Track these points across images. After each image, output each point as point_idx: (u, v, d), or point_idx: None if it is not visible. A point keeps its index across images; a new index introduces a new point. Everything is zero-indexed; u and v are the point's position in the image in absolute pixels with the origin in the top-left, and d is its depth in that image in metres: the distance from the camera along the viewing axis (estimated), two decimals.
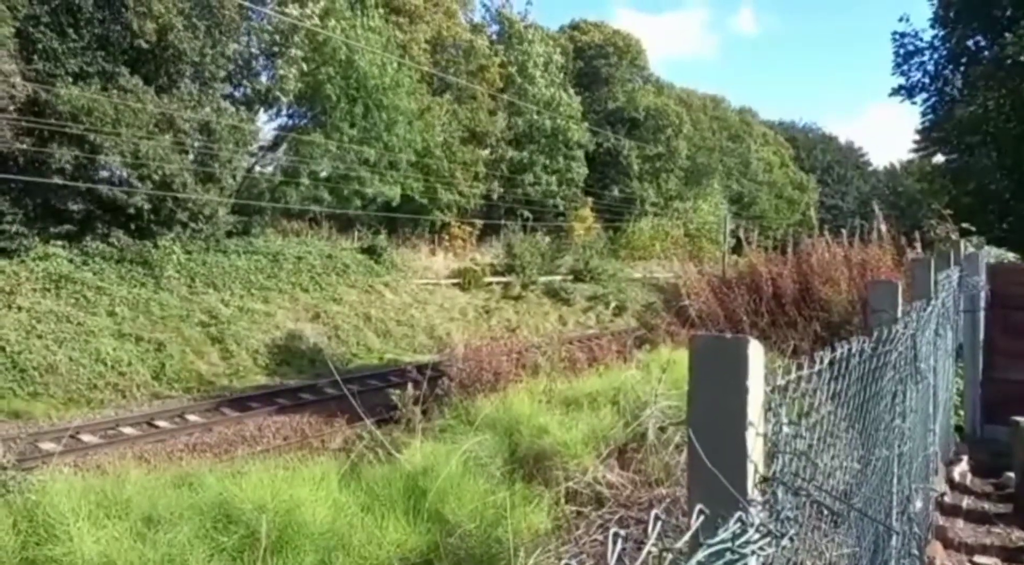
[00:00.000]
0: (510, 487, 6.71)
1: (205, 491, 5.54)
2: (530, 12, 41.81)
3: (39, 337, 15.68)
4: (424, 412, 9.77)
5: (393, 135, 28.03)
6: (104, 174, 21.67)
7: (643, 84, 50.99)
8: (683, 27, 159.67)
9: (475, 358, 12.22)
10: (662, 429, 8.16)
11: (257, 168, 28.76)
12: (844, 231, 12.24)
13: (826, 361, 2.53)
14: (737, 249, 46.27)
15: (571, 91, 41.64)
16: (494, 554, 5.47)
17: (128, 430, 14.19)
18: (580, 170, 41.04)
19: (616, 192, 44.67)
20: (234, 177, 25.33)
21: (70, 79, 20.38)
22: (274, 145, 29.31)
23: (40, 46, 20.24)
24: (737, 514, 1.32)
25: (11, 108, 19.36)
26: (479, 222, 36.42)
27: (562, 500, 7.10)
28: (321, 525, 5.24)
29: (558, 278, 34.71)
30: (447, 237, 35.20)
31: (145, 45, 21.75)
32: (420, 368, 13.12)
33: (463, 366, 11.94)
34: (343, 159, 26.73)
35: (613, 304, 32.52)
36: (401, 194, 29.20)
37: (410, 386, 11.56)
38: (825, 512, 2.39)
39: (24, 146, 19.73)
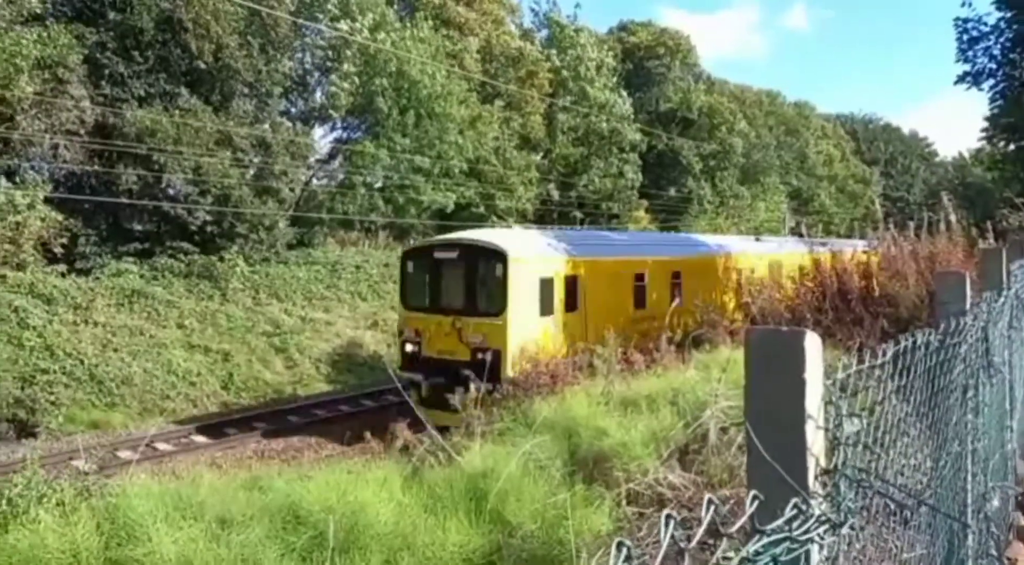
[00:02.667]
0: (571, 489, 6.71)
1: (275, 494, 5.72)
2: (579, 15, 41.63)
3: (115, 350, 16.38)
4: (483, 416, 9.84)
5: (445, 143, 28.36)
6: (168, 192, 22.52)
7: (695, 83, 50.31)
8: (732, 26, 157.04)
9: (532, 361, 12.28)
10: (724, 430, 8.04)
11: (314, 181, 29.47)
12: (911, 224, 11.82)
13: (889, 354, 2.47)
14: None
15: (623, 93, 41.43)
16: (556, 555, 5.48)
17: (199, 438, 14.71)
18: (634, 171, 40.76)
19: (672, 192, 44.18)
20: (292, 190, 26.02)
21: (135, 102, 21.27)
22: (330, 157, 30.01)
23: (107, 71, 21.20)
24: (794, 500, 1.32)
25: (81, 131, 20.32)
26: (533, 227, 36.45)
27: (623, 501, 7.06)
28: (385, 526, 5.35)
29: None
30: None
31: (203, 65, 22.52)
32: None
33: (520, 369, 12.01)
34: (397, 169, 27.18)
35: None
36: (455, 201, 29.49)
37: (472, 388, 11.68)
38: (893, 508, 2.34)
39: (94, 168, 20.69)
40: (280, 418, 16.18)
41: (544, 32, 41.70)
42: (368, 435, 11.27)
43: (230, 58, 22.80)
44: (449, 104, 28.42)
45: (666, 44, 48.47)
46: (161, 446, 13.81)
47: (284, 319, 20.71)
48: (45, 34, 19.12)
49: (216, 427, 15.38)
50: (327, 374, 19.81)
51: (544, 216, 35.66)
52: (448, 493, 6.32)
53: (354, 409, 17.11)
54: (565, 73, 38.64)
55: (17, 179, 19.43)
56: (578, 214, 37.04)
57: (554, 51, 38.88)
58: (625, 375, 11.56)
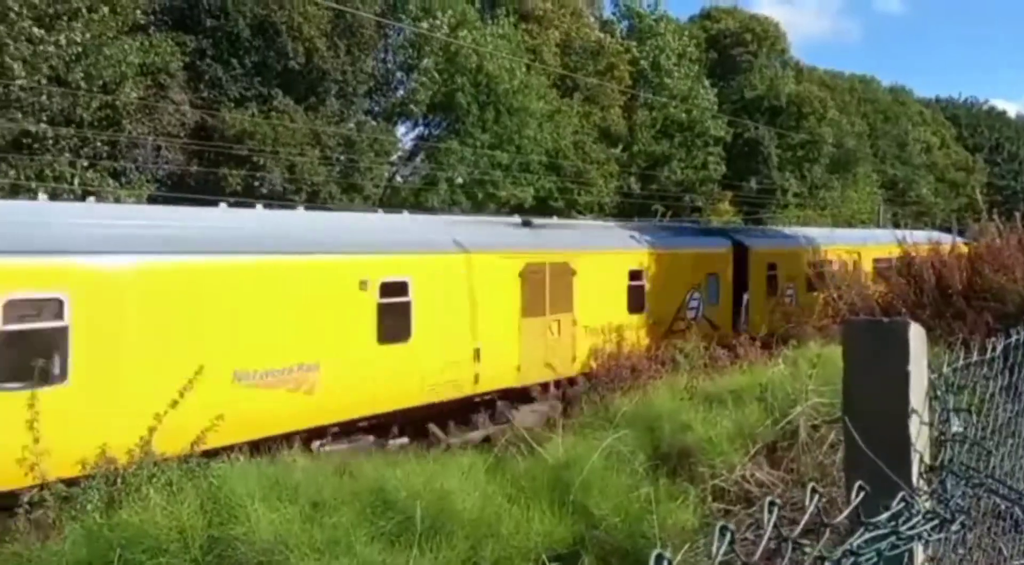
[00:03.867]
0: (654, 483, 6.66)
1: (364, 479, 5.92)
2: (661, 3, 40.79)
3: None
4: (564, 409, 9.89)
5: (524, 138, 28.46)
6: (262, 191, 23.45)
7: (783, 70, 48.63)
8: (823, 10, 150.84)
9: (613, 356, 12.23)
10: (815, 427, 7.78)
11: (397, 177, 30.11)
12: (1018, 214, 11.09)
13: (999, 349, 2.36)
14: None
15: (706, 82, 40.51)
16: (640, 549, 5.45)
17: None
18: (717, 163, 39.81)
19: (754, 184, 42.92)
20: (376, 186, 26.68)
21: (232, 104, 22.28)
22: (412, 154, 30.58)
23: (206, 76, 22.29)
24: (901, 494, 1.28)
25: (182, 134, 21.43)
26: (612, 221, 36.17)
27: (708, 498, 6.95)
28: (471, 513, 5.45)
29: None
30: None
31: (296, 67, 23.38)
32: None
33: (601, 364, 11.99)
34: (477, 164, 27.45)
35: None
36: (534, 196, 29.57)
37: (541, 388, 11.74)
38: (1002, 510, 2.23)
39: (194, 168, 21.80)
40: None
41: (625, 23, 41.18)
42: (452, 425, 11.52)
43: (320, 59, 23.58)
44: (528, 99, 28.48)
45: (753, 31, 47.02)
46: None
47: None
48: (148, 42, 20.25)
49: None
50: None
51: (624, 209, 35.31)
52: (531, 483, 6.38)
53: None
54: (644, 64, 38.07)
55: (123, 179, 20.64)
56: (659, 207, 36.49)
57: (634, 43, 38.36)
58: (708, 370, 11.36)
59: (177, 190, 21.95)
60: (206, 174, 22.28)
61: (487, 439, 10.04)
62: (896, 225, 48.57)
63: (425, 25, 25.81)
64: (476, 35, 27.10)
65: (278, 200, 22.81)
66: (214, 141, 21.84)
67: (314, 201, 23.55)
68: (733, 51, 46.13)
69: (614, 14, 41.84)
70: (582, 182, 32.38)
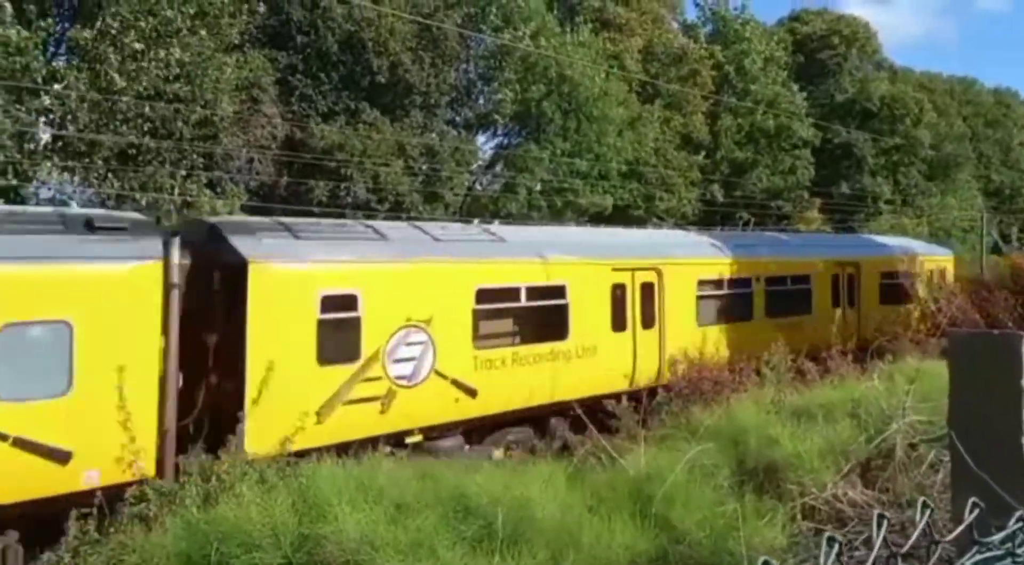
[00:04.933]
0: (740, 499, 6.48)
1: (445, 483, 6.00)
2: (747, 7, 39.87)
3: None
4: (643, 421, 9.75)
5: (604, 146, 28.34)
6: (347, 200, 24.21)
7: (876, 71, 46.72)
8: (918, 10, 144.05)
9: (695, 368, 11.97)
10: (912, 446, 7.40)
11: (477, 186, 30.50)
12: None
13: None
14: (997, 248, 40.56)
15: (793, 86, 39.35)
16: None
17: None
18: (806, 169, 38.54)
19: (846, 189, 41.30)
20: (457, 195, 27.10)
21: (319, 118, 23.13)
22: (491, 163, 30.92)
23: (297, 91, 23.21)
24: (1017, 514, 1.21)
25: (273, 146, 22.36)
26: (693, 228, 35.51)
27: (798, 516, 6.71)
28: (551, 522, 5.45)
29: None
30: None
31: (381, 80, 24.07)
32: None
33: (682, 376, 11.74)
34: (556, 172, 27.52)
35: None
36: (613, 204, 29.39)
37: (624, 397, 11.57)
38: None
39: (285, 180, 22.70)
40: None
41: (709, 27, 40.50)
42: (531, 432, 11.52)
43: (404, 72, 24.19)
44: (608, 106, 28.36)
45: (841, 33, 45.42)
46: None
47: None
48: (243, 59, 21.25)
49: None
50: None
51: (707, 217, 34.63)
52: (611, 494, 6.32)
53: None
54: (728, 68, 37.30)
55: (218, 189, 21.67)
56: (744, 214, 35.60)
57: (718, 47, 37.67)
58: (795, 384, 10.98)
59: (267, 200, 22.91)
60: (295, 185, 23.15)
61: (565, 447, 10.00)
62: (1003, 236, 45.75)
63: (507, 36, 26.10)
64: (556, 43, 27.22)
65: (362, 210, 23.50)
66: (303, 153, 22.71)
67: (398, 211, 24.13)
68: (821, 54, 44.66)
69: (698, 18, 41.24)
70: (663, 189, 31.97)
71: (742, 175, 36.48)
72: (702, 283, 14.39)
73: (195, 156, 20.15)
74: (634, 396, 11.21)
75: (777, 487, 7.08)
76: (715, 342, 13.95)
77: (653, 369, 12.98)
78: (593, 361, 11.94)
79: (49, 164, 18.35)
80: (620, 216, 29.83)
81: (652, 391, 11.35)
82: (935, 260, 20.57)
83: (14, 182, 17.43)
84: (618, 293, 12.67)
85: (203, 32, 19.30)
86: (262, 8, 21.95)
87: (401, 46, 24.05)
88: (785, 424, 8.17)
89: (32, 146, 17.96)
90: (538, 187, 27.46)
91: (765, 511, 6.44)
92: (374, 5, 22.82)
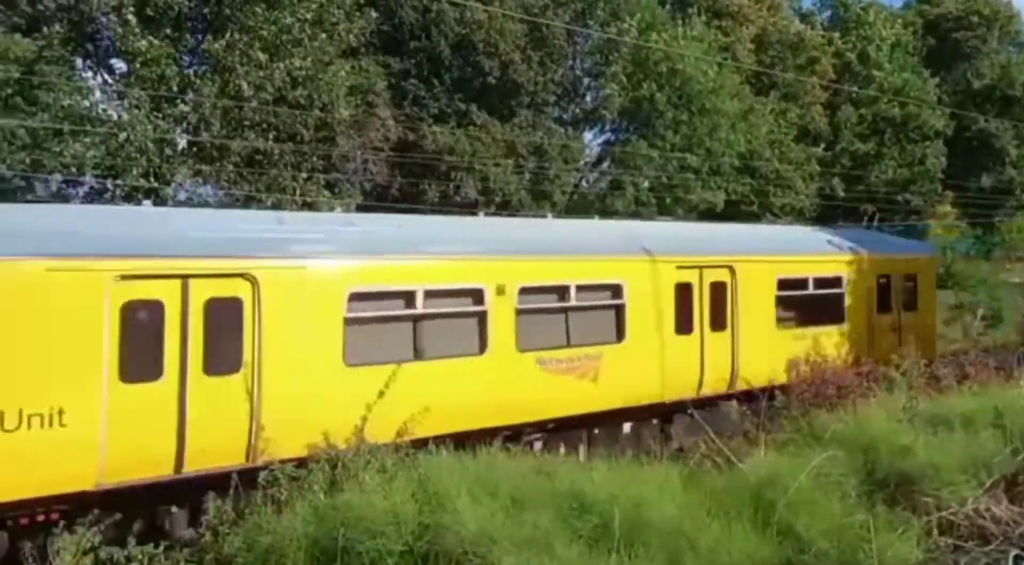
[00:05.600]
0: (870, 509, 6.15)
1: (560, 480, 6.00)
2: None
3: None
4: (759, 425, 9.39)
5: (716, 139, 27.54)
6: (456, 200, 24.65)
7: (1019, 54, 43.05)
8: None
9: (816, 372, 11.43)
10: None
11: (584, 183, 30.34)
12: None
13: None
14: None
15: (923, 72, 36.86)
16: None
17: None
18: (936, 160, 36.01)
19: (986, 181, 38.26)
20: (563, 192, 27.04)
21: (431, 121, 23.68)
22: (599, 160, 30.68)
23: (410, 96, 23.88)
24: None
25: (386, 148, 23.08)
26: (810, 226, 33.92)
27: (934, 531, 6.30)
28: (668, 524, 5.34)
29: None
30: None
31: (491, 81, 24.38)
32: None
33: (802, 380, 11.23)
34: (665, 168, 26.98)
35: (981, 313, 27.86)
36: (726, 199, 28.52)
37: (733, 401, 11.16)
38: None
39: (398, 181, 23.39)
40: None
41: (827, 13, 38.58)
42: (645, 434, 11.31)
43: (514, 73, 24.40)
44: (720, 98, 27.53)
45: (980, 12, 42.10)
46: None
47: None
48: (358, 65, 22.04)
49: None
50: None
51: (825, 212, 33.01)
52: (730, 499, 6.13)
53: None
54: (850, 56, 35.36)
55: (336, 190, 22.58)
56: (868, 207, 33.68)
57: (838, 34, 35.81)
58: (929, 390, 10.30)
59: (381, 200, 23.69)
60: (408, 185, 23.80)
61: (680, 449, 9.78)
62: None
63: (615, 30, 25.83)
64: (667, 36, 26.67)
65: (471, 209, 23.91)
66: (415, 155, 23.32)
67: (507, 209, 24.37)
68: (956, 35, 41.57)
69: (815, 5, 39.40)
70: (778, 184, 30.71)
71: (865, 168, 34.50)
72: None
73: (314, 159, 21.08)
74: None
75: (911, 499, 6.69)
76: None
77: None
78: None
79: (185, 168, 19.72)
80: (733, 212, 28.92)
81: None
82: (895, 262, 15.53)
83: (155, 185, 18.84)
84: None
85: (323, 36, 20.17)
86: (375, 14, 22.70)
87: (511, 46, 24.25)
88: (919, 433, 7.69)
89: (171, 151, 19.34)
90: (646, 184, 27.02)
91: (898, 524, 6.10)
92: (485, 6, 23.12)
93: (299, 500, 5.69)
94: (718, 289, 11.76)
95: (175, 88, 18.94)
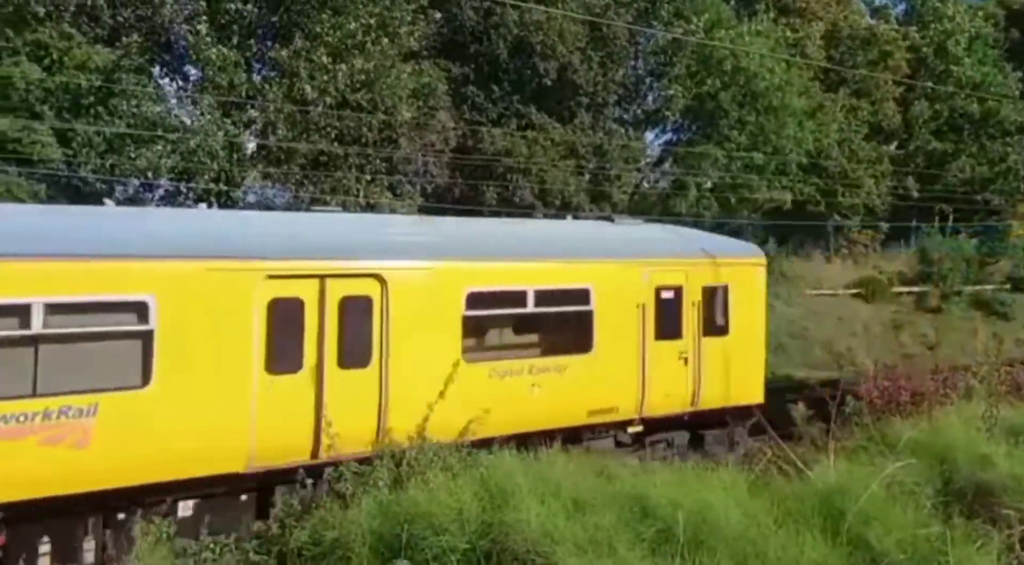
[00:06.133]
0: (946, 521, 5.91)
1: (621, 483, 5.95)
2: None
3: None
4: (827, 431, 9.13)
5: (782, 138, 26.89)
6: (515, 201, 24.73)
7: None
8: None
9: (890, 377, 11.03)
10: None
11: (644, 184, 30.05)
12: None
13: None
14: None
15: (1005, 66, 35.18)
16: None
17: None
18: (1019, 158, 34.31)
19: None
20: (624, 193, 26.84)
21: (490, 124, 23.85)
22: (660, 160, 30.34)
23: (469, 100, 24.10)
24: None
25: (446, 151, 23.35)
26: (884, 225, 32.76)
27: (1016, 545, 6.02)
28: (734, 530, 5.24)
29: (990, 288, 29.58)
30: (845, 243, 32.42)
31: (548, 83, 24.41)
32: (819, 385, 12.21)
33: (874, 385, 10.86)
34: (729, 168, 26.50)
35: None
36: (792, 199, 27.82)
37: (800, 404, 10.82)
38: None
39: (458, 182, 23.63)
40: None
41: (902, 7, 37.24)
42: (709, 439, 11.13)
43: (573, 74, 24.37)
44: (787, 96, 26.88)
45: None
46: None
47: None
48: (419, 68, 22.36)
49: None
50: None
51: (898, 213, 31.86)
52: (798, 506, 5.97)
53: None
54: (926, 50, 34.00)
55: (397, 192, 22.95)
56: (945, 209, 32.37)
57: (914, 27, 34.50)
58: (1010, 398, 9.84)
59: (441, 202, 23.95)
60: (467, 187, 24.00)
61: (744, 454, 9.59)
62: None
63: (680, 30, 25.49)
64: (732, 34, 26.18)
65: (528, 210, 23.95)
66: (474, 157, 23.51)
67: (565, 210, 24.35)
68: None
69: None
70: (848, 183, 29.77)
71: (941, 166, 33.13)
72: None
73: (377, 161, 21.47)
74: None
75: (990, 511, 6.41)
76: None
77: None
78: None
79: (254, 171, 20.35)
80: (799, 212, 28.21)
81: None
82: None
83: (225, 188, 19.50)
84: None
85: (384, 41, 20.53)
86: (438, 16, 22.98)
87: (570, 47, 24.21)
88: (999, 442, 7.36)
89: (240, 155, 19.99)
90: (708, 184, 26.57)
91: (976, 537, 5.84)
92: (546, 8, 23.13)
93: (364, 495, 5.82)
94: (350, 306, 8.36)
95: (244, 94, 19.58)
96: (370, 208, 21.44)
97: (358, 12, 20.12)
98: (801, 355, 22.58)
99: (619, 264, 10.41)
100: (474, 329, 9.27)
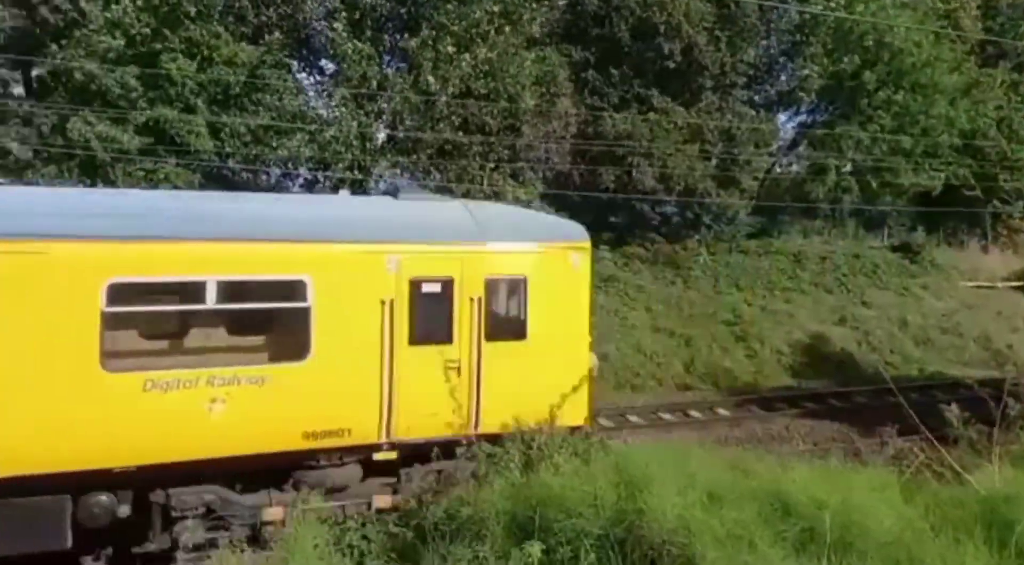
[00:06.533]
0: None
1: (759, 478, 5.71)
2: None
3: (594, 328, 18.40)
4: (989, 435, 8.38)
5: (932, 118, 24.87)
6: (638, 187, 24.30)
7: None
8: None
9: None
10: None
11: (776, 168, 28.73)
12: None
13: None
14: None
15: None
16: None
17: (666, 415, 15.62)
18: None
19: None
20: (755, 179, 25.78)
21: (611, 109, 23.49)
22: (793, 143, 28.89)
23: (589, 85, 23.83)
24: None
25: (567, 137, 23.23)
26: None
27: None
28: (885, 535, 4.91)
29: None
30: (1005, 231, 29.69)
31: (672, 65, 23.74)
32: (977, 384, 11.22)
33: None
34: (870, 150, 24.84)
35: None
36: (944, 184, 25.73)
37: (953, 405, 9.96)
38: None
39: (579, 168, 23.48)
40: (743, 407, 16.25)
41: None
42: (836, 437, 10.55)
43: (699, 55, 23.58)
44: (938, 72, 24.81)
45: None
46: (632, 418, 15.05)
47: (744, 308, 20.69)
48: (541, 55, 22.34)
49: (681, 407, 16.19)
50: (788, 367, 19.19)
51: None
52: (959, 514, 5.52)
53: (820, 407, 16.28)
54: None
55: (520, 179, 23.09)
56: None
57: None
58: None
59: (562, 188, 23.89)
60: (588, 173, 23.79)
61: (893, 455, 8.96)
62: None
63: (819, 6, 24.08)
64: (874, 7, 24.41)
65: (650, 196, 23.48)
66: (594, 142, 23.26)
67: (689, 196, 23.69)
68: None
69: None
70: (1008, 166, 27.16)
71: None
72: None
73: (501, 148, 21.69)
74: None
75: None
76: None
77: None
78: None
79: (384, 160, 21.10)
80: (951, 197, 26.08)
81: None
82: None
83: (358, 176, 20.33)
84: None
85: (507, 29, 20.65)
86: (561, 1, 22.85)
87: (696, 27, 23.44)
88: None
89: (371, 145, 20.77)
90: (848, 167, 25.02)
91: None
92: None
93: (496, 476, 5.89)
94: None
95: (375, 86, 20.29)
96: (494, 196, 21.74)
97: (482, 1, 20.35)
98: (954, 352, 20.90)
99: (352, 249, 8.13)
100: (120, 329, 7.56)
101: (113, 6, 17.41)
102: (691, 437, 12.96)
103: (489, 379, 8.45)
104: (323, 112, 20.57)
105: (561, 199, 23.16)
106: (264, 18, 20.35)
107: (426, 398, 8.16)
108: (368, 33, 20.70)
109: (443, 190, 21.11)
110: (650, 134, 23.08)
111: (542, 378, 8.50)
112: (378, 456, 8.07)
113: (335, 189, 21.05)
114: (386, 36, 21.86)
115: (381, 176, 21.33)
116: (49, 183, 16.00)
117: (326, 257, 7.99)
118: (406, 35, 21.25)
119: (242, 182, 20.06)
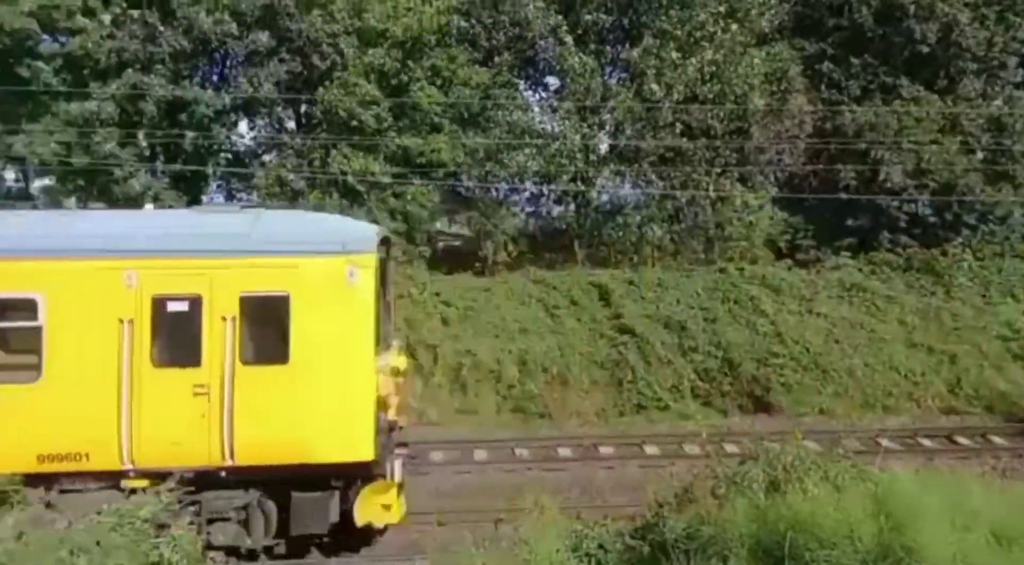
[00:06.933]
0: None
1: None
2: None
3: (836, 341, 16.85)
4: None
5: None
6: (885, 185, 22.01)
7: None
8: None
9: None
10: None
11: None
12: None
13: None
14: None
15: None
16: None
17: (925, 441, 13.90)
18: None
19: None
20: None
21: (851, 102, 21.58)
22: None
23: (825, 78, 22.12)
24: None
25: (801, 136, 21.73)
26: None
27: None
28: None
29: None
30: None
31: (925, 49, 21.37)
32: None
33: None
34: None
35: None
36: None
37: None
38: None
39: (814, 168, 21.83)
40: (1022, 435, 14.02)
41: None
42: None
43: (959, 35, 21.01)
44: None
45: None
46: (884, 442, 13.55)
47: (1022, 321, 17.82)
48: (771, 51, 21.20)
49: (944, 432, 14.40)
50: None
51: None
52: None
53: None
54: None
55: (749, 183, 22.03)
56: None
57: None
58: None
59: (797, 191, 22.36)
60: (825, 172, 22.06)
61: None
62: None
63: None
64: None
65: (896, 195, 21.20)
66: (834, 139, 21.50)
67: (948, 194, 21.07)
68: None
69: None
70: None
71: None
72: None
73: (727, 152, 20.92)
74: None
75: None
76: None
77: None
78: None
79: (607, 170, 21.28)
80: None
81: None
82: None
83: (581, 188, 20.69)
84: None
85: (733, 27, 19.90)
86: None
87: (956, 5, 20.88)
88: None
89: (594, 156, 21.05)
90: None
91: None
92: None
93: (738, 496, 5.60)
94: None
95: (600, 98, 20.55)
96: (721, 201, 20.96)
97: (706, 2, 19.83)
98: None
99: (87, 265, 7.69)
100: None
101: (370, 50, 19.34)
102: (957, 467, 11.39)
103: (244, 406, 7.80)
104: (548, 126, 21.25)
105: (796, 204, 21.73)
106: (495, 42, 21.47)
107: (172, 424, 7.72)
108: (591, 46, 21.04)
109: (667, 198, 20.80)
110: (898, 125, 20.91)
111: (309, 406, 7.84)
112: (126, 483, 7.77)
113: (558, 203, 21.63)
114: (608, 48, 22.06)
115: (604, 187, 21.56)
116: (312, 208, 18.04)
117: (60, 273, 7.68)
118: (627, 46, 21.31)
119: (475, 198, 21.29)
